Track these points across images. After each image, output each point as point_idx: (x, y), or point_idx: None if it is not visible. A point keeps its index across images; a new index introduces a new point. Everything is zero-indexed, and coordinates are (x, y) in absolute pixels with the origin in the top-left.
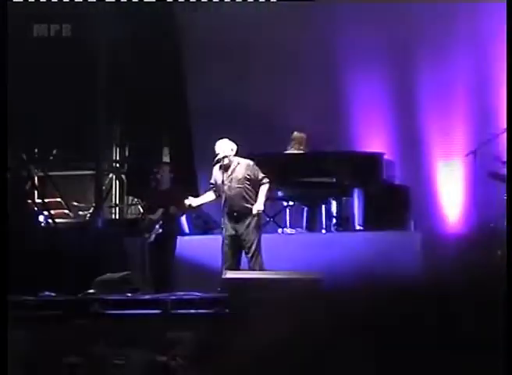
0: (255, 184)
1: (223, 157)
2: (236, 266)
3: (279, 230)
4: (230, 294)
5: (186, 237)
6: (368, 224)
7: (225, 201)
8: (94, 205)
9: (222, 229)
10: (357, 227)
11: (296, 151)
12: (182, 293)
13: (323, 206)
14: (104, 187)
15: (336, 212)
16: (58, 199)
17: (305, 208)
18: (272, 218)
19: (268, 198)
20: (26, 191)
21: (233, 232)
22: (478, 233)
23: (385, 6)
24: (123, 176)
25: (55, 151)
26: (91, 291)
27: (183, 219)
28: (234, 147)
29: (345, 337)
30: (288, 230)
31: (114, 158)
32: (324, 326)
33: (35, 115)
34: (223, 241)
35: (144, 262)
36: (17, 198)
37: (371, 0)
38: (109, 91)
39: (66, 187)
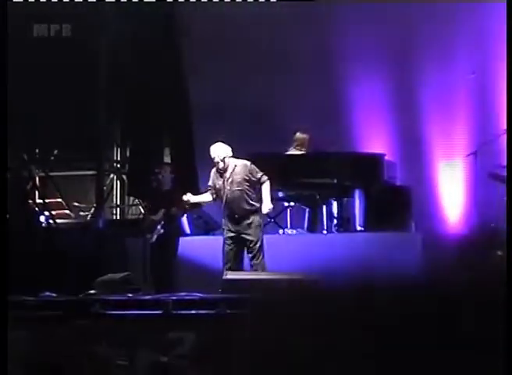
0: (255, 184)
1: (219, 161)
2: (237, 267)
3: (280, 231)
4: (231, 295)
5: (188, 238)
6: (369, 225)
7: (225, 204)
8: (95, 205)
9: (223, 230)
10: (358, 228)
11: (297, 152)
12: (183, 293)
13: (324, 207)
14: (105, 188)
15: (337, 213)
16: (59, 199)
17: (306, 209)
18: (272, 219)
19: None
20: (27, 192)
21: (235, 233)
22: (479, 234)
23: (385, 6)
24: (124, 177)
25: (55, 152)
26: (92, 291)
27: (184, 219)
28: (229, 149)
29: (346, 337)
30: (289, 231)
31: (115, 158)
32: (325, 327)
33: (36, 115)
34: (224, 242)
35: (145, 263)
36: (18, 199)
37: (371, 0)
38: (110, 91)
39: (67, 187)
